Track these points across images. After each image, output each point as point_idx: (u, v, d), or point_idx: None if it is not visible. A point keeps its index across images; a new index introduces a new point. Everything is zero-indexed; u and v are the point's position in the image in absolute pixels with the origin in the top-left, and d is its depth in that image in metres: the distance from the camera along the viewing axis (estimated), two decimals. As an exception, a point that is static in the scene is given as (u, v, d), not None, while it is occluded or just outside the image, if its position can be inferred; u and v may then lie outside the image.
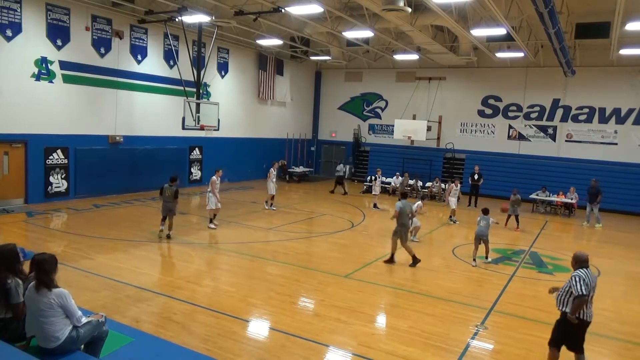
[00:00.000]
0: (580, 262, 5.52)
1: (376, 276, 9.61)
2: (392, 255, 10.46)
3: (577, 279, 5.33)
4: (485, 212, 10.91)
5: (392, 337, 6.86)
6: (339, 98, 27.96)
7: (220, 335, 6.42)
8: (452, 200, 16.25)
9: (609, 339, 7.16)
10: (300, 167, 26.38)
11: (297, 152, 27.40)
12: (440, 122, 24.72)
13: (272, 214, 15.70)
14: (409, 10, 13.57)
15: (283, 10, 15.04)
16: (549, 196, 19.00)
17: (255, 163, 18.43)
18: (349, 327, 6.97)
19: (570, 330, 5.42)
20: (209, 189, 13.16)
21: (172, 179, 11.57)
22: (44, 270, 4.34)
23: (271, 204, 16.23)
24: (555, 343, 5.60)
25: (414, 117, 24.44)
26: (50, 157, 15.35)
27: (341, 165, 22.77)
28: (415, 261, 10.26)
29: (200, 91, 17.79)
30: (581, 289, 5.25)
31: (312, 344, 6.35)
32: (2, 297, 4.49)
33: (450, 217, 16.14)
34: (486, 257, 10.90)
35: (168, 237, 11.46)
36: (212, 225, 13.10)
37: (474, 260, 10.65)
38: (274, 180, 16.14)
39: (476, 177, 19.57)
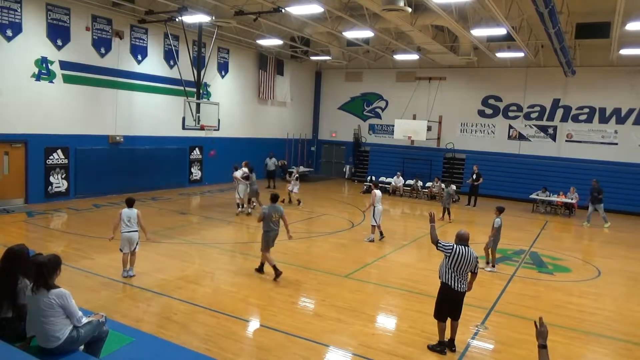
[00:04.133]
0: (459, 238, 6.34)
1: (376, 276, 9.61)
2: None
3: (451, 246, 6.26)
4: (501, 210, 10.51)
5: (392, 337, 6.87)
6: (339, 98, 27.96)
7: (220, 335, 6.42)
8: (379, 209, 12.39)
9: (609, 339, 7.17)
10: (301, 167, 26.35)
11: (297, 152, 27.40)
12: (440, 122, 24.72)
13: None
14: (409, 10, 13.57)
15: (283, 10, 15.04)
16: (549, 196, 19.00)
17: (255, 163, 18.55)
18: (349, 327, 6.97)
19: (449, 300, 6.23)
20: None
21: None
22: (42, 272, 4.34)
23: (242, 205, 15.52)
24: (440, 316, 6.34)
25: (414, 117, 24.43)
26: (51, 157, 15.35)
27: (273, 159, 22.32)
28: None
29: (201, 91, 17.78)
30: (444, 244, 6.30)
31: (312, 344, 6.36)
32: (11, 297, 4.51)
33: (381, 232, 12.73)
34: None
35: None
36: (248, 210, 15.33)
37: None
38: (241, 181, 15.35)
39: (474, 176, 19.56)
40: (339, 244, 12.28)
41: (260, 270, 9.31)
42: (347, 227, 14.45)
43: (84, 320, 4.49)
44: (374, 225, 12.52)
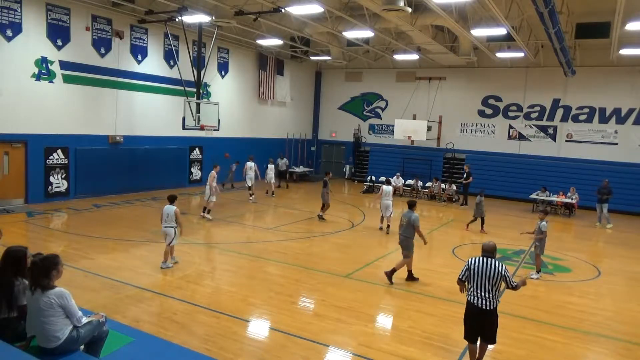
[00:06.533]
0: (482, 250, 5.86)
1: (376, 276, 9.60)
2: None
3: (466, 263, 5.85)
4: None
5: (392, 337, 6.87)
6: (339, 98, 27.95)
7: (220, 335, 6.42)
8: (384, 204, 13.66)
9: (609, 339, 7.17)
10: (301, 167, 26.38)
11: (297, 152, 27.40)
12: (440, 122, 24.72)
13: (273, 214, 15.69)
14: (409, 10, 13.57)
15: (283, 10, 15.05)
16: (549, 196, 19.00)
17: (255, 163, 18.75)
18: (349, 327, 6.97)
19: (473, 318, 5.69)
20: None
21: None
22: (34, 272, 4.33)
23: (208, 211, 14.17)
24: (468, 336, 5.86)
25: (414, 117, 24.43)
26: (51, 157, 15.35)
27: (284, 160, 23.08)
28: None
29: (201, 91, 17.80)
30: (460, 273, 5.85)
31: (312, 344, 6.36)
32: (9, 298, 4.51)
33: (387, 226, 13.72)
34: None
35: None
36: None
37: None
38: (215, 185, 14.25)
39: (465, 175, 19.71)
40: (339, 244, 12.28)
41: (390, 276, 9.14)
42: (347, 227, 14.44)
43: (84, 320, 4.49)
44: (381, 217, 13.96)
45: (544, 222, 9.98)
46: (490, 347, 6.58)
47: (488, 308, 5.60)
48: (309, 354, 6.06)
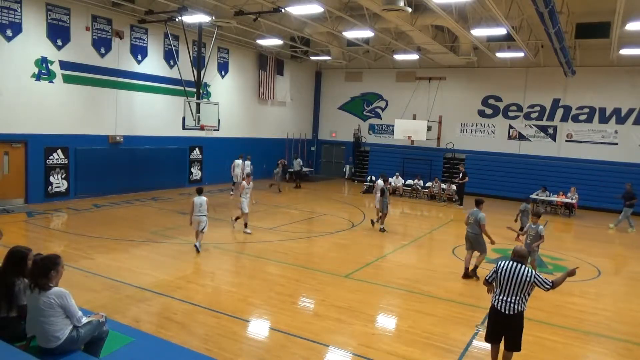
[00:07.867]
0: (512, 254, 5.69)
1: (376, 276, 9.61)
2: None
3: (495, 265, 5.71)
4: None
5: (392, 337, 6.87)
6: (339, 98, 27.96)
7: (220, 335, 6.42)
8: (379, 198, 14.09)
9: (609, 339, 7.16)
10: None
11: (297, 152, 27.40)
12: (440, 122, 24.72)
13: (273, 214, 15.69)
14: (409, 10, 13.58)
15: (283, 10, 15.05)
16: (549, 196, 19.00)
17: (255, 163, 18.84)
18: (349, 327, 6.97)
19: (497, 322, 5.58)
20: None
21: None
22: (33, 272, 4.34)
23: (245, 225, 12.74)
24: (488, 338, 5.76)
25: (414, 117, 24.43)
26: (51, 157, 15.35)
27: (299, 160, 24.10)
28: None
29: (201, 91, 17.79)
30: (488, 274, 5.76)
31: (312, 344, 6.35)
32: (9, 297, 4.51)
33: (376, 222, 14.12)
34: None
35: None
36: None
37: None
38: (248, 196, 12.74)
39: (460, 175, 19.74)
40: (339, 244, 12.28)
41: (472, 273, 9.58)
42: (347, 227, 14.44)
43: (84, 320, 4.49)
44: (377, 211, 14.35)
45: (541, 227, 9.83)
46: (490, 346, 6.58)
47: (509, 312, 5.46)
48: (309, 354, 6.06)
